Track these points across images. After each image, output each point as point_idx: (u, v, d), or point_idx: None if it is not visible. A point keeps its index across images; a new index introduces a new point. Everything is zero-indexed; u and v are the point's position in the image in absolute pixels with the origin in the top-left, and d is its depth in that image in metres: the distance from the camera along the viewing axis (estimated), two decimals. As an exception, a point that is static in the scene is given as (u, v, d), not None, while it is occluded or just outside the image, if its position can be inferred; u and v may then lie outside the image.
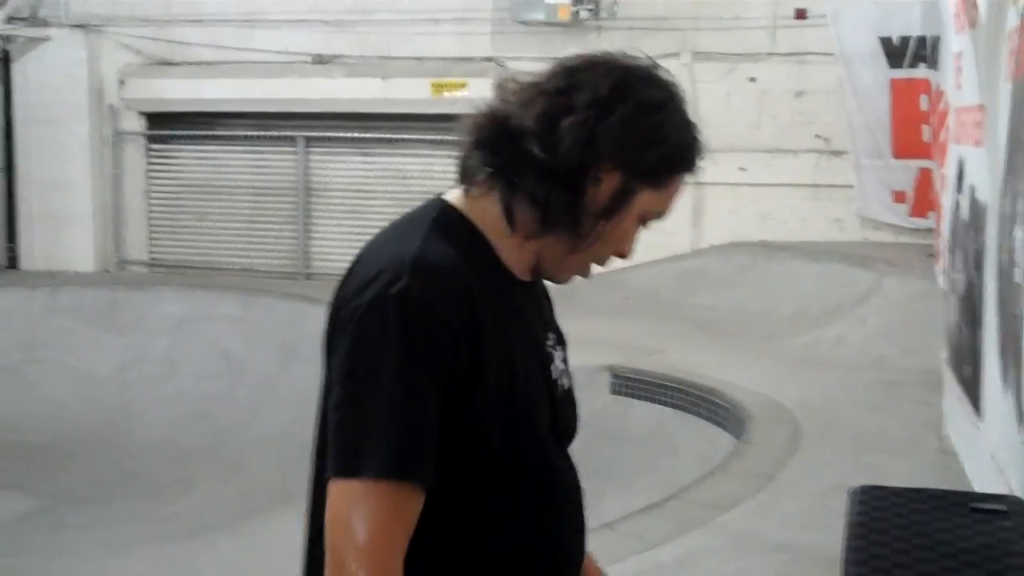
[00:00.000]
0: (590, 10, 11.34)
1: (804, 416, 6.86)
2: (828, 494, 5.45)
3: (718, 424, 7.14)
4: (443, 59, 12.03)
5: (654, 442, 7.45)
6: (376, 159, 12.70)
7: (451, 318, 1.72)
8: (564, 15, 11.24)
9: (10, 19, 13.11)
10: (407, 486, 1.69)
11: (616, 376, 8.05)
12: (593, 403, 7.27)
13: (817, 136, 11.29)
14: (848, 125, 10.80)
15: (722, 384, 7.50)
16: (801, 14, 11.13)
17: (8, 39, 13.18)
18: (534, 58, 11.77)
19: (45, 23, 13.20)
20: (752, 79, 11.38)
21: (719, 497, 5.54)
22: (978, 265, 4.71)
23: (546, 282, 1.99)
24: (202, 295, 11.81)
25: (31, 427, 10.71)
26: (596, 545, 4.91)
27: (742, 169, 11.41)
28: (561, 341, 1.99)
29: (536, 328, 1.93)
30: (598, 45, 11.52)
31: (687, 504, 5.47)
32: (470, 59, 11.93)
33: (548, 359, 1.93)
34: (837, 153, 11.18)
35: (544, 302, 2.01)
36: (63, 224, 13.33)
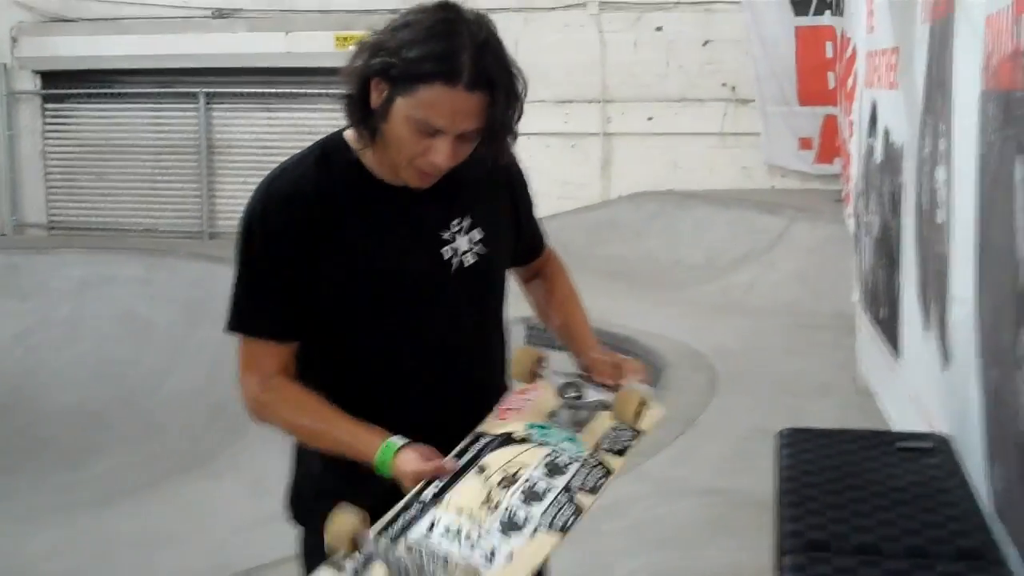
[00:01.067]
0: (496, -41, 11.21)
1: (720, 362, 6.91)
2: (749, 437, 5.50)
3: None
4: (348, 12, 11.84)
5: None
6: (280, 114, 12.50)
7: (277, 219, 2.25)
8: (469, -35, 11.11)
9: None
10: (247, 338, 2.34)
11: (531, 328, 7.96)
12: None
13: (724, 85, 11.33)
14: (754, 73, 10.86)
15: (637, 333, 7.53)
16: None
17: None
18: (439, 9, 11.68)
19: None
20: (659, 28, 11.37)
21: (641, 444, 5.54)
22: (894, 207, 4.74)
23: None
24: (104, 257, 11.56)
25: (-69, 394, 10.44)
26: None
27: (650, 119, 11.42)
28: (478, 225, 2.36)
29: (416, 218, 2.31)
30: (503, -4, 11.49)
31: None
32: (375, 11, 11.69)
33: (437, 242, 2.32)
34: (744, 101, 11.24)
35: (448, 197, 2.34)
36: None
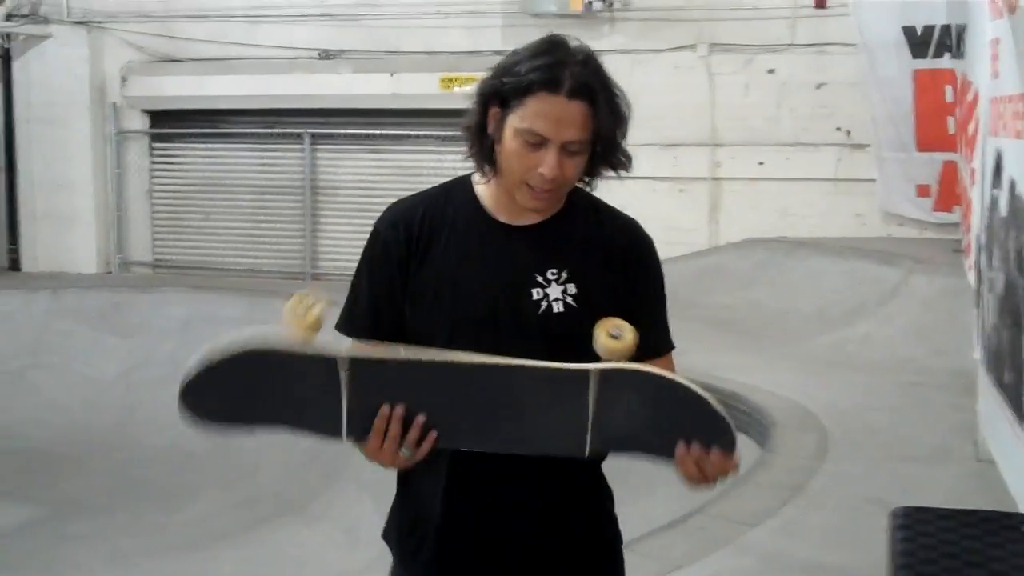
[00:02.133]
0: (603, 1, 11.03)
1: (831, 422, 6.56)
2: (860, 508, 5.18)
3: (740, 431, 6.83)
4: (453, 53, 11.74)
5: (674, 449, 7.15)
6: (385, 156, 12.43)
7: (388, 238, 2.44)
8: (576, 6, 10.94)
9: (10, 16, 12.87)
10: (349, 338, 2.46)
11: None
12: (609, 408, 7.00)
13: (838, 129, 10.98)
14: (870, 118, 10.45)
15: (744, 388, 7.20)
16: (821, 3, 10.81)
17: (9, 37, 12.94)
18: (546, 51, 11.53)
19: (46, 20, 12.97)
20: (771, 71, 11.07)
21: (745, 512, 5.24)
22: (1020, 265, 4.39)
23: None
24: (207, 296, 11.55)
25: (33, 433, 10.50)
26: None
27: (761, 164, 11.12)
28: (575, 282, 2.40)
29: (515, 254, 2.41)
30: (611, 38, 11.32)
31: (711, 520, 5.17)
32: (480, 52, 11.63)
33: (530, 281, 2.39)
34: (859, 146, 10.87)
35: (554, 247, 2.42)
36: (65, 225, 13.11)
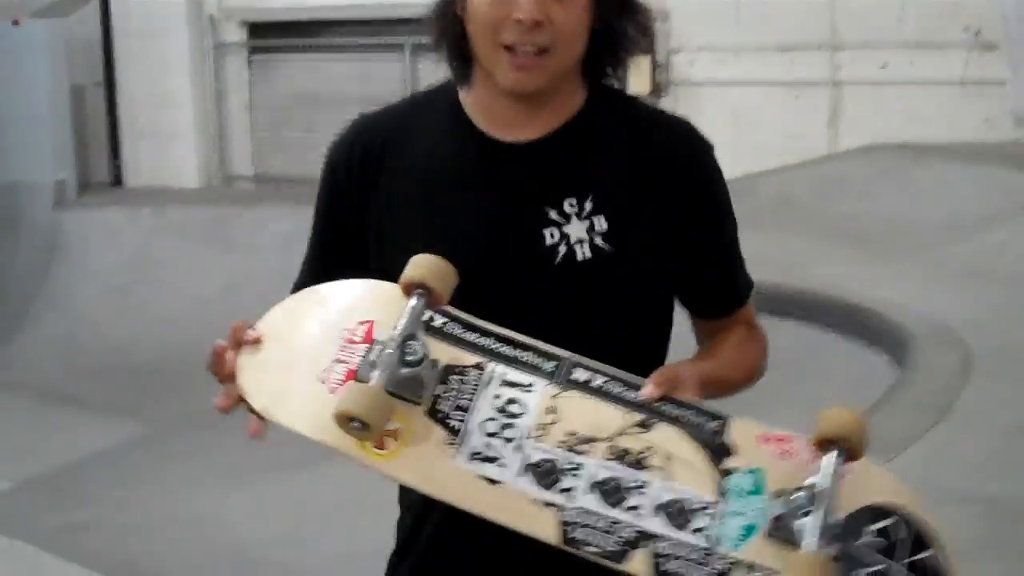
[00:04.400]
0: None
1: (973, 338, 6.15)
2: (1013, 434, 4.81)
3: (874, 347, 6.47)
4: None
5: (800, 367, 6.80)
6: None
7: (338, 162, 1.90)
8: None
9: (106, -72, 12.68)
10: None
11: (756, 293, 7.39)
12: (730, 324, 6.68)
13: (966, 29, 10.34)
14: (1002, 14, 9.86)
15: (874, 301, 6.82)
16: None
17: (105, -51, 12.77)
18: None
19: (142, -69, 12.75)
20: (895, -34, 10.49)
21: (887, 435, 4.89)
22: None
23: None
24: (309, 211, 11.38)
25: (137, 349, 10.50)
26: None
27: (883, 66, 10.55)
28: (604, 212, 1.77)
29: (513, 181, 1.80)
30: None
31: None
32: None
33: (539, 218, 1.77)
34: (989, 47, 10.25)
35: (569, 167, 1.80)
36: (166, 140, 13.02)
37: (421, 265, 1.63)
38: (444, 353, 1.64)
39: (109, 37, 13.02)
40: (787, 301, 7.17)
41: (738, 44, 10.71)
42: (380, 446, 1.60)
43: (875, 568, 1.58)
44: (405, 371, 1.57)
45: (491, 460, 1.59)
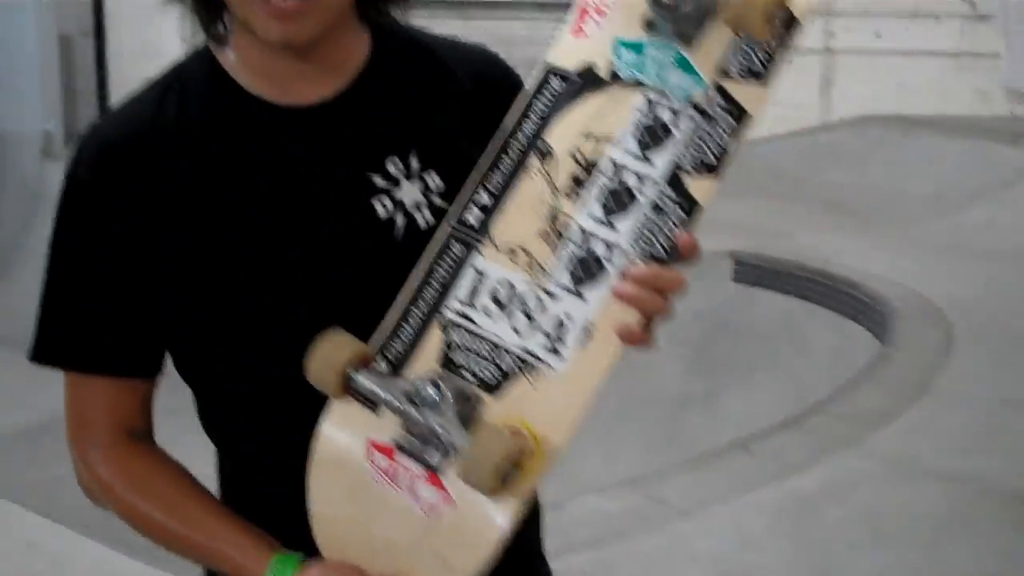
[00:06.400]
0: None
1: (955, 314, 6.12)
2: (995, 410, 4.81)
3: (855, 319, 6.44)
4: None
5: (781, 337, 6.79)
6: (477, 23, 11.96)
7: (97, 187, 1.48)
8: None
9: None
10: (73, 374, 1.55)
11: (739, 262, 7.35)
12: (713, 292, 6.66)
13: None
14: (997, -15, 9.82)
15: (859, 273, 6.79)
16: None
17: None
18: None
19: None
20: (890, -67, 10.39)
21: (867, 411, 4.89)
22: None
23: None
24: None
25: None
26: (728, 469, 4.24)
27: (877, 35, 10.47)
28: (432, 166, 1.51)
29: (324, 153, 1.47)
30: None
31: (830, 419, 4.83)
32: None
33: (365, 189, 1.47)
34: (984, 17, 10.17)
35: (377, 121, 1.51)
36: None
37: (324, 358, 1.42)
38: (419, 369, 1.45)
39: (98, -13, 12.91)
40: (770, 271, 7.16)
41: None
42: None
43: None
44: (449, 414, 1.39)
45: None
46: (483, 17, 11.87)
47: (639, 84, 1.44)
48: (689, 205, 1.40)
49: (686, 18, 1.43)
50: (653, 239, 1.39)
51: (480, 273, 1.42)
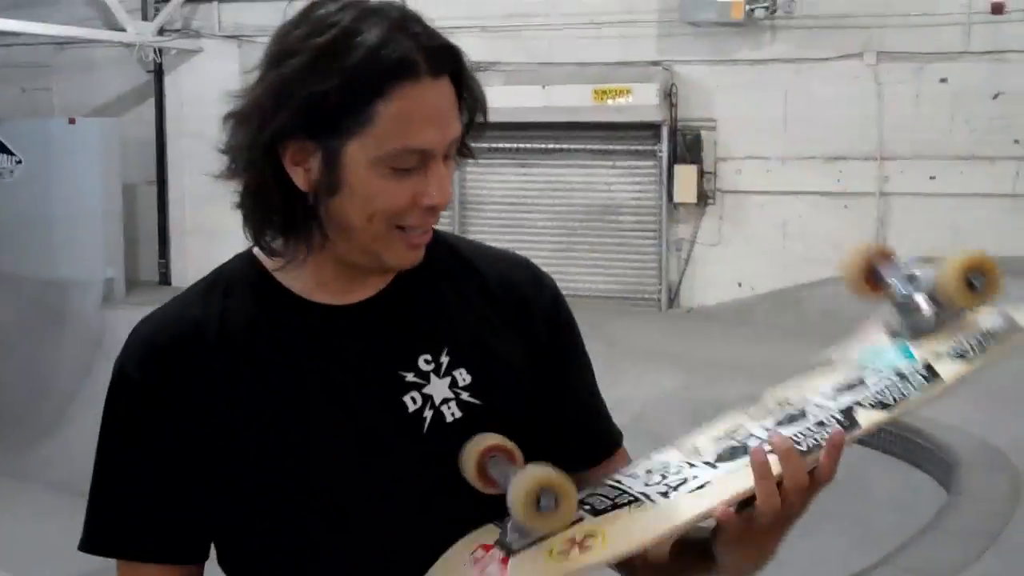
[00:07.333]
0: (765, 7, 10.53)
1: (1022, 461, 6.00)
2: (1067, 562, 4.66)
3: (919, 467, 6.32)
4: (606, 64, 11.37)
5: (843, 483, 6.62)
6: (535, 170, 12.12)
7: (132, 381, 1.53)
8: (737, 14, 10.44)
9: (162, 31, 12.92)
10: (123, 562, 1.57)
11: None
12: (774, 439, 6.55)
13: (1016, 142, 10.30)
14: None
15: (922, 421, 6.67)
16: (998, 8, 10.16)
17: (161, 52, 13.00)
18: (703, 61, 11.07)
19: (198, 35, 12.99)
20: (943, 80, 10.44)
21: (936, 564, 4.75)
22: None
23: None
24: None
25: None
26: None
27: (932, 178, 10.50)
28: (463, 366, 1.58)
29: (360, 350, 1.54)
30: (772, 46, 10.82)
31: (900, 572, 4.70)
32: (634, 63, 11.25)
33: (395, 385, 1.54)
34: (1039, 159, 10.20)
35: (412, 320, 1.59)
36: (214, 238, 13.09)
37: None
38: None
39: (163, 137, 13.22)
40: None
41: (785, 153, 10.71)
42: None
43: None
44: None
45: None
46: (540, 164, 12.02)
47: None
48: (850, 423, 1.47)
49: (926, 323, 1.57)
50: (803, 438, 1.45)
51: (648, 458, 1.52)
